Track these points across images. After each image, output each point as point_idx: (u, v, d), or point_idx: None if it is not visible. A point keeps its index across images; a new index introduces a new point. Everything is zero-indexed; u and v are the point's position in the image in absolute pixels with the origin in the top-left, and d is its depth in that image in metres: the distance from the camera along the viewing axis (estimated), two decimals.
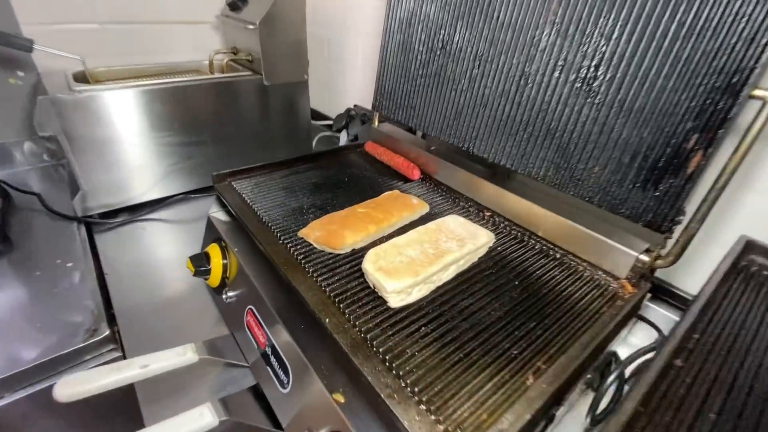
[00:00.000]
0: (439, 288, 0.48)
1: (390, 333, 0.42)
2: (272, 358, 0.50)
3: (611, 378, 0.48)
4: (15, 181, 0.91)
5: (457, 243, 0.52)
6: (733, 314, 0.40)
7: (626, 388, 0.50)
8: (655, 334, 0.56)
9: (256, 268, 0.56)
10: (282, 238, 0.55)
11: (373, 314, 0.44)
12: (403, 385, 0.37)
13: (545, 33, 0.53)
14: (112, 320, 0.64)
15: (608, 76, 0.48)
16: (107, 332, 0.61)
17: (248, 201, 0.63)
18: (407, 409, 0.35)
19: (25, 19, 0.95)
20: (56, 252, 0.75)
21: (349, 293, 0.46)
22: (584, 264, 0.55)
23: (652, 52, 0.44)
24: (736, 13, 0.39)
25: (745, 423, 0.30)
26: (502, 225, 0.62)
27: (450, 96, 0.68)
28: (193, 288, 0.72)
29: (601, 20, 0.48)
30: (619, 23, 0.47)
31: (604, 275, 0.53)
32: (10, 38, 0.81)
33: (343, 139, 1.15)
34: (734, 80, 0.40)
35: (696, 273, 0.59)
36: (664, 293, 0.62)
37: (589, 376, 0.44)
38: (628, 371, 0.48)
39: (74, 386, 0.46)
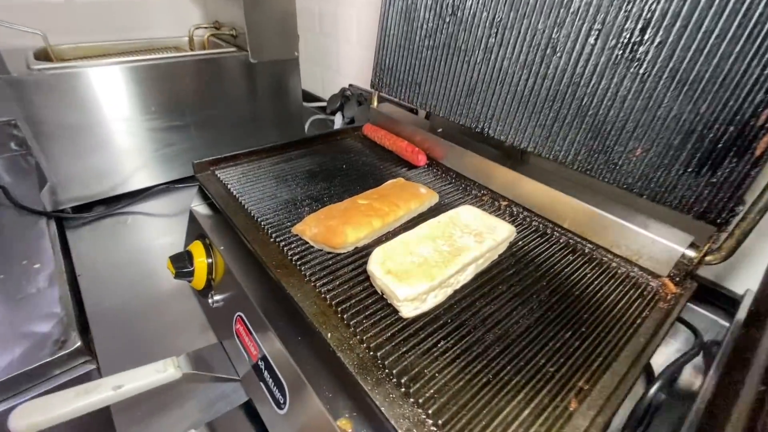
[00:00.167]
0: (456, 292, 0.42)
1: (404, 350, 0.35)
2: (265, 373, 0.45)
3: (652, 391, 0.42)
4: None
5: (475, 238, 0.46)
6: None
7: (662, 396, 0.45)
8: (685, 336, 0.50)
9: (244, 268, 0.51)
10: (273, 235, 0.48)
11: (383, 326, 0.38)
12: (423, 416, 0.31)
13: None
14: (85, 329, 0.59)
15: (657, 40, 0.40)
16: (78, 343, 0.55)
17: (234, 193, 0.56)
18: None
19: None
20: (22, 252, 0.69)
21: (353, 301, 0.40)
22: (617, 260, 0.49)
23: (715, 9, 0.36)
24: None
25: None
26: (521, 216, 0.56)
27: (462, 70, 0.60)
28: (177, 290, 0.66)
29: None
30: None
31: (641, 272, 0.47)
32: None
33: (338, 122, 1.09)
34: None
35: (742, 270, 0.53)
36: (706, 292, 0.55)
37: None
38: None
39: (33, 415, 0.40)
